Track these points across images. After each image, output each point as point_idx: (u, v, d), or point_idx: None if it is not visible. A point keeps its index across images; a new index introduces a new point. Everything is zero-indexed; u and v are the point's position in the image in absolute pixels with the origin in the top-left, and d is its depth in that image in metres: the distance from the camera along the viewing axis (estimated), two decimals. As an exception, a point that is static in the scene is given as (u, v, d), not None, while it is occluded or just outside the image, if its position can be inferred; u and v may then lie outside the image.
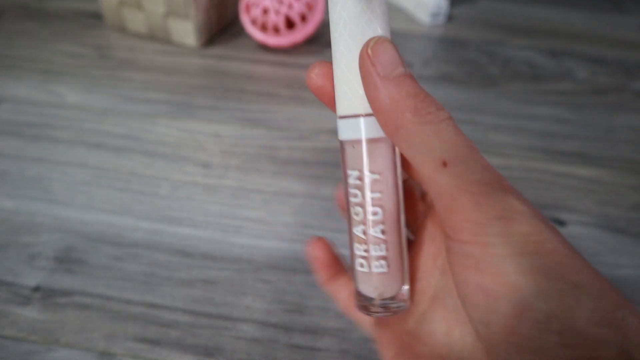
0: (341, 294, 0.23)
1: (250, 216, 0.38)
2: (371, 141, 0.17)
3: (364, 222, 0.18)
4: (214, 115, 0.49)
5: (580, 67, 0.59)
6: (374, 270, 0.18)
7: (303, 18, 0.56)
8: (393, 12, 0.69)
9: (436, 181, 0.15)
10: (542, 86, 0.55)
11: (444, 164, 0.15)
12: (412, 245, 0.21)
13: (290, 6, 0.55)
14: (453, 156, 0.15)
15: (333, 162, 0.44)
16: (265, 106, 0.50)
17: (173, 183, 0.41)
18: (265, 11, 0.55)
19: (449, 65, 0.59)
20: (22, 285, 0.33)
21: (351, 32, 0.17)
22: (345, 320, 0.32)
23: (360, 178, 0.18)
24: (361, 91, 0.17)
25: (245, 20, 0.57)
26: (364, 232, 0.18)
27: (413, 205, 0.21)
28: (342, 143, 0.18)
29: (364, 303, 0.19)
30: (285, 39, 0.56)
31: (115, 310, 0.32)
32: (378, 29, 0.17)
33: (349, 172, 0.18)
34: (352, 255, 0.19)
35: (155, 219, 0.38)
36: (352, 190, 0.18)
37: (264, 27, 0.56)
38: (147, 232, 0.37)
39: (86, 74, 0.54)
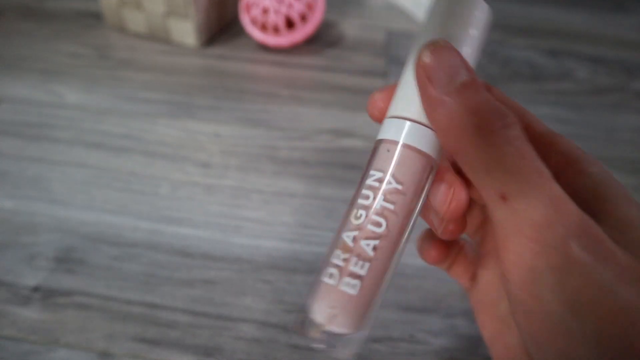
0: None
1: (250, 216, 0.38)
2: (408, 148, 0.16)
3: (360, 228, 0.16)
4: (214, 115, 0.49)
5: (580, 67, 0.59)
6: (342, 286, 0.16)
7: (303, 18, 0.56)
8: (392, 12, 0.69)
9: (493, 214, 0.14)
10: (542, 86, 0.55)
11: (503, 198, 0.14)
12: (483, 227, 0.20)
13: (290, 6, 0.55)
14: (514, 189, 0.14)
15: (333, 162, 0.44)
16: (265, 106, 0.50)
17: (173, 183, 0.41)
18: (265, 11, 0.55)
19: (449, 65, 0.58)
20: (22, 285, 0.33)
21: (435, 30, 0.15)
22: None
23: (380, 180, 0.16)
24: (417, 95, 0.15)
25: (245, 20, 0.57)
26: (354, 240, 0.16)
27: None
28: (377, 143, 0.17)
29: (305, 323, 0.17)
30: (285, 39, 0.56)
31: (115, 310, 0.32)
32: (462, 33, 0.15)
33: (372, 172, 0.16)
34: (324, 265, 0.17)
35: (155, 219, 0.38)
36: (365, 192, 0.16)
37: (263, 27, 0.56)
38: (147, 232, 0.37)
39: (86, 74, 0.53)
